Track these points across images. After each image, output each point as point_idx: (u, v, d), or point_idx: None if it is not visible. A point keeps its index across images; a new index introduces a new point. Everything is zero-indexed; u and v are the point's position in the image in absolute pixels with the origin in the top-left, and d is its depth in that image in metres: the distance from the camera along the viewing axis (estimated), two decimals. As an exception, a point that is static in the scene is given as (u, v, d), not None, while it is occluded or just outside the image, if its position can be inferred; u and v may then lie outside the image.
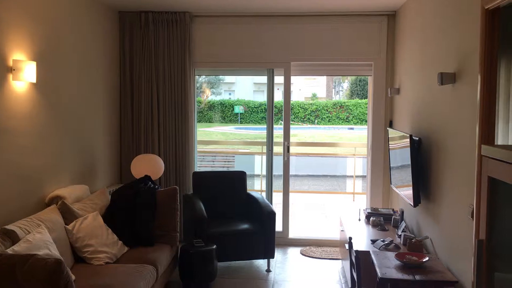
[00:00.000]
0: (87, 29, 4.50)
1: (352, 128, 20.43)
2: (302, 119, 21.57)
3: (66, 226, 3.42)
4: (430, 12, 3.83)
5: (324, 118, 21.94)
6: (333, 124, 21.51)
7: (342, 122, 21.68)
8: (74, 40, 4.23)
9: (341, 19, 5.19)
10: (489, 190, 1.47)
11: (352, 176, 8.87)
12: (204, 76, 20.42)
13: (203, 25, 5.30)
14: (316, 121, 21.75)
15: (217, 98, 23.32)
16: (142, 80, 5.21)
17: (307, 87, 26.99)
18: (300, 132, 19.03)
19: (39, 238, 2.89)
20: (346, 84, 27.01)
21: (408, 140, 3.67)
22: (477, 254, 1.45)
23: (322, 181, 11.03)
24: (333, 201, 8.59)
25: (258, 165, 9.14)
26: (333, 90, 28.39)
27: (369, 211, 4.63)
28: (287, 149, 5.36)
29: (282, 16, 5.22)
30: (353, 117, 21.60)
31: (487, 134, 2.60)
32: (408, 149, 3.70)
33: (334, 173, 11.48)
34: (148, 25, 5.17)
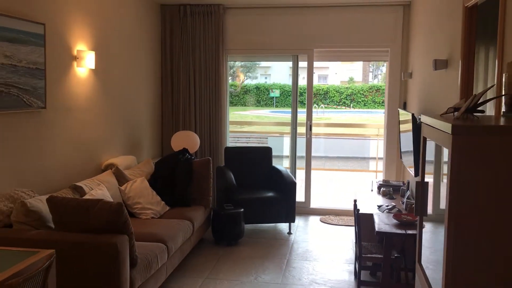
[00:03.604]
0: (134, 22, 5.20)
1: (387, 112, 20.34)
2: (337, 103, 21.79)
3: (120, 187, 4.17)
4: (431, 6, 4.29)
5: (360, 102, 22.01)
6: (368, 108, 21.56)
7: (378, 106, 21.72)
8: (123, 32, 4.95)
9: (360, 9, 5.68)
10: (423, 147, 2.03)
11: (377, 158, 9.34)
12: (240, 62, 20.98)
13: (235, 16, 5.91)
14: (351, 104, 21.89)
15: (253, 82, 23.83)
16: (181, 66, 5.89)
17: (344, 71, 27.04)
18: (334, 116, 19.24)
19: (101, 193, 3.64)
20: (384, 68, 26.88)
21: (411, 118, 4.19)
22: (417, 192, 2.02)
23: (352, 163, 11.51)
24: (356, 178, 9.13)
25: (287, 146, 9.75)
26: (370, 74, 28.34)
27: (380, 182, 5.18)
28: (309, 128, 5.95)
29: (306, 7, 5.76)
30: (389, 100, 21.51)
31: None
32: (410, 125, 4.21)
33: (362, 155, 11.94)
34: (186, 17, 5.83)
